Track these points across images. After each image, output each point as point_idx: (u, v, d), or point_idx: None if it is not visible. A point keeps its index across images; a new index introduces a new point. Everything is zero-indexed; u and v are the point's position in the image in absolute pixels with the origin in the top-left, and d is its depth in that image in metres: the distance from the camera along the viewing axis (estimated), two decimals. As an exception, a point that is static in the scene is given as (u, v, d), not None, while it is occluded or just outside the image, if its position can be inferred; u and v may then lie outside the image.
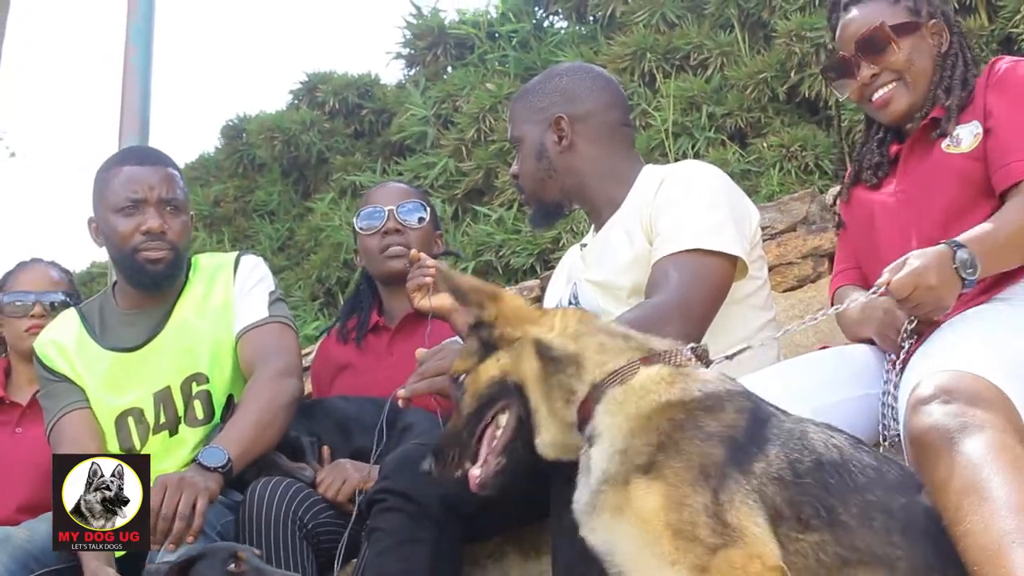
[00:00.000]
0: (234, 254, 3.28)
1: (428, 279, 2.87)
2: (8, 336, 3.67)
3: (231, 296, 3.15)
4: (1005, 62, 2.59)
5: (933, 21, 2.65)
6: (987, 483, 1.88)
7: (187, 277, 3.19)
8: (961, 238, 2.28)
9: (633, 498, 1.88)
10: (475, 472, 2.11)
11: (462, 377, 2.14)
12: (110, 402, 3.08)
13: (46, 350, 3.16)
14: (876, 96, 2.64)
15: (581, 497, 2.00)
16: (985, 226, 2.34)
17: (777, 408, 2.02)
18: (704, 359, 2.15)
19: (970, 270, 2.21)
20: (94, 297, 3.35)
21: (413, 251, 3.00)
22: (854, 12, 2.67)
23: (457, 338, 2.57)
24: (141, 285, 3.12)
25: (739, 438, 1.91)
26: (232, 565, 2.40)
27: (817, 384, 2.42)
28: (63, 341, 3.16)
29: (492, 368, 2.09)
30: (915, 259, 2.22)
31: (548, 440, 2.07)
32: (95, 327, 3.17)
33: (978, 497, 1.87)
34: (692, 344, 2.16)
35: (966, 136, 2.54)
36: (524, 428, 2.08)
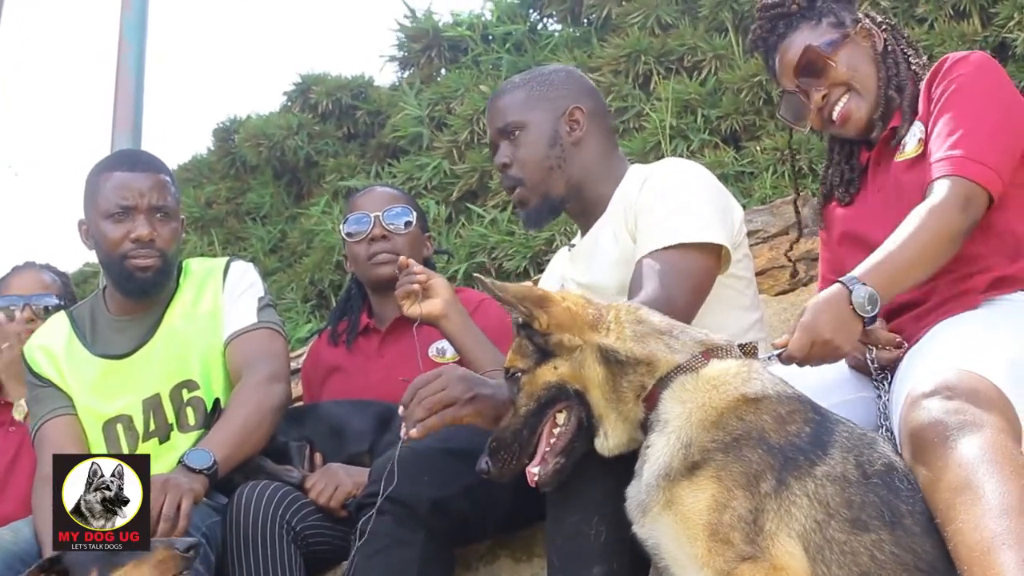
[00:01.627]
0: (224, 259, 3.26)
1: (416, 286, 2.85)
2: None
3: (220, 302, 3.13)
4: (951, 58, 2.56)
5: (859, 25, 2.65)
6: (981, 483, 1.87)
7: (178, 283, 3.17)
8: (858, 271, 2.24)
9: (683, 495, 1.91)
10: (533, 470, 2.11)
11: (517, 373, 2.13)
12: (98, 409, 3.06)
13: (34, 355, 3.14)
14: (835, 114, 2.62)
15: (634, 492, 2.02)
16: (886, 248, 2.29)
17: (843, 417, 2.07)
18: (752, 356, 2.17)
19: (868, 307, 2.17)
20: (84, 301, 3.32)
21: (402, 258, 2.97)
22: (784, 48, 2.67)
23: (454, 366, 2.53)
24: (129, 292, 3.10)
25: (802, 444, 1.95)
26: None
27: (809, 387, 2.41)
28: (52, 346, 3.14)
29: (550, 374, 2.09)
30: (808, 312, 2.20)
31: (614, 443, 2.09)
32: (85, 333, 3.15)
33: (971, 496, 1.86)
34: (739, 342, 2.19)
35: (911, 140, 2.53)
36: (584, 429, 2.09)
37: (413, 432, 2.34)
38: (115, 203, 3.04)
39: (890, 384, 2.34)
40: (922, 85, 2.56)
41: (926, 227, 2.29)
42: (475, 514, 2.58)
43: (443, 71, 6.69)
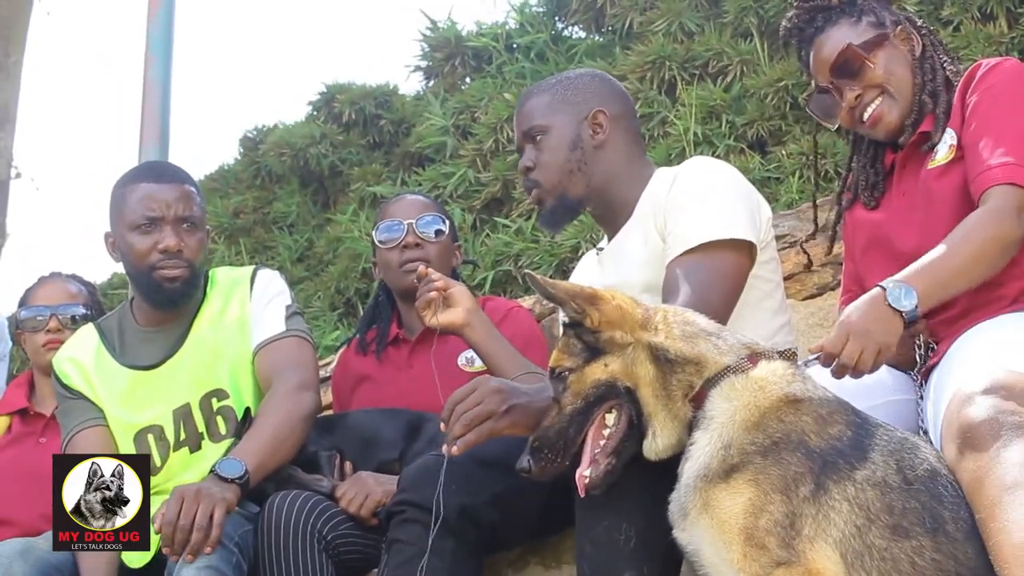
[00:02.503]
0: (251, 268, 3.27)
1: (435, 294, 2.86)
2: (28, 350, 3.69)
3: (247, 311, 3.14)
4: (987, 63, 2.55)
5: (899, 28, 2.63)
6: None
7: (205, 292, 3.18)
8: (902, 274, 2.24)
9: (720, 498, 1.91)
10: (584, 473, 2.10)
11: (564, 372, 2.12)
12: (129, 419, 3.07)
13: (63, 367, 3.16)
14: (867, 115, 2.60)
15: (676, 495, 2.02)
16: (935, 252, 2.29)
17: (884, 421, 2.06)
18: (791, 361, 2.17)
19: (905, 302, 2.17)
20: (112, 312, 3.33)
21: (420, 267, 2.98)
22: (820, 42, 2.65)
23: (487, 377, 2.53)
24: (158, 303, 3.12)
25: (843, 448, 1.94)
26: None
27: (846, 391, 2.40)
28: (81, 358, 3.15)
29: (600, 372, 2.08)
30: (846, 312, 2.21)
31: (663, 444, 2.08)
32: (114, 344, 3.16)
33: (1021, 496, 1.84)
34: (780, 348, 2.20)
35: (942, 147, 2.51)
36: (634, 429, 2.09)
37: (454, 449, 2.36)
38: (141, 214, 3.04)
39: (927, 385, 2.33)
40: (955, 92, 2.55)
41: (979, 234, 2.29)
42: (504, 522, 2.58)
43: (467, 80, 6.71)
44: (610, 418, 2.09)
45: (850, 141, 2.82)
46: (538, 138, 2.88)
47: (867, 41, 2.59)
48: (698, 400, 2.06)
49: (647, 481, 2.20)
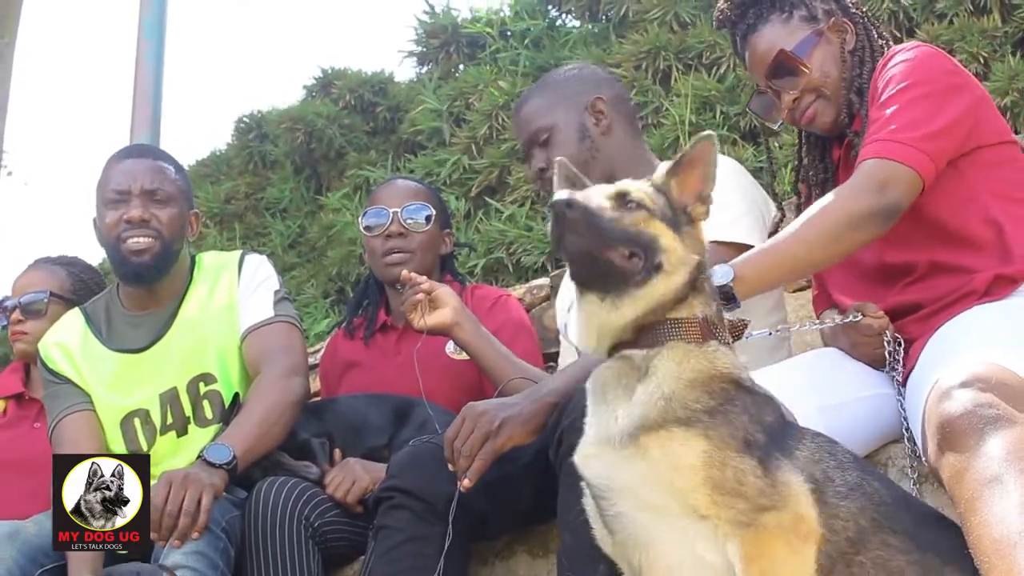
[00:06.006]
0: (238, 253, 3.27)
1: (421, 296, 2.86)
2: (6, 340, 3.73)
3: (235, 296, 3.14)
4: (893, 52, 2.52)
5: (832, 20, 2.59)
6: (1012, 478, 1.84)
7: (191, 276, 3.18)
8: (740, 257, 2.27)
9: (668, 445, 1.85)
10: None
11: (639, 206, 1.98)
12: (116, 403, 3.08)
13: (49, 351, 3.16)
14: (802, 116, 2.60)
15: (597, 428, 1.95)
16: (776, 237, 2.31)
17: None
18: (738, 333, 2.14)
19: (720, 279, 2.18)
20: (99, 297, 3.33)
21: (404, 272, 2.98)
22: (754, 42, 2.62)
23: (472, 404, 2.52)
24: (127, 278, 3.12)
25: (778, 431, 1.92)
26: None
27: (826, 383, 2.40)
28: (67, 342, 3.15)
29: (667, 236, 1.96)
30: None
31: (629, 314, 1.95)
32: (100, 328, 3.16)
33: (1000, 490, 1.83)
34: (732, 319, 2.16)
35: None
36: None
37: (466, 483, 2.42)
38: (111, 189, 3.09)
39: (904, 382, 2.33)
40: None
41: (824, 213, 2.30)
42: (493, 510, 2.59)
43: (461, 67, 6.70)
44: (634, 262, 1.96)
45: (796, 133, 2.80)
46: (544, 139, 2.91)
47: (800, 43, 2.56)
48: (653, 337, 1.97)
49: None
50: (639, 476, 1.87)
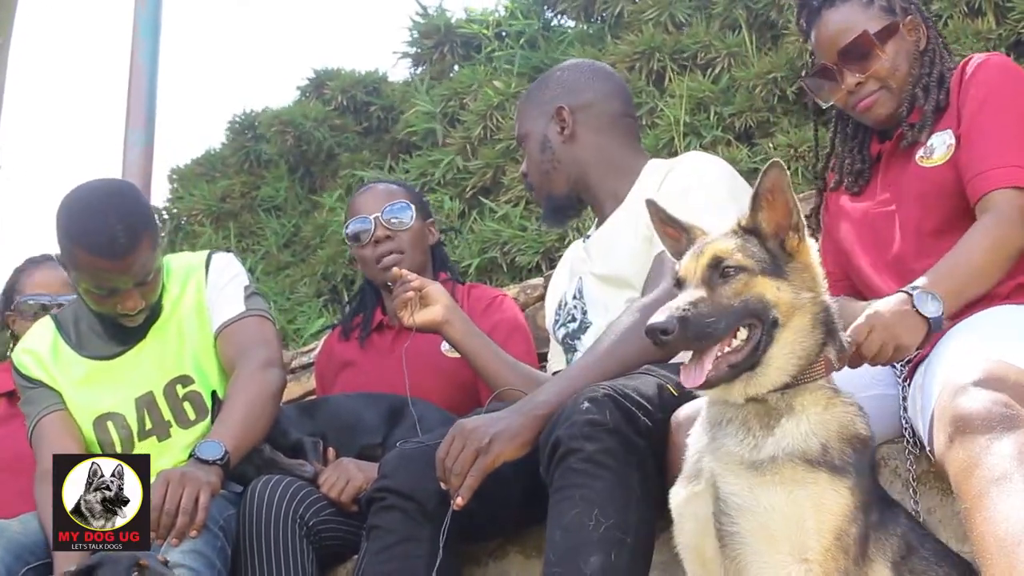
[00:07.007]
0: (205, 253, 3.23)
1: (411, 293, 2.86)
2: (20, 335, 3.67)
3: (204, 296, 3.11)
4: (975, 60, 2.54)
5: (909, 18, 2.62)
6: (1021, 478, 1.86)
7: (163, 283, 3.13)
8: (924, 281, 2.26)
9: (816, 486, 1.90)
10: (708, 367, 1.95)
11: (735, 270, 1.97)
12: (87, 405, 3.05)
13: (21, 359, 3.13)
14: (861, 103, 2.60)
15: (741, 449, 1.96)
16: (950, 262, 2.31)
17: None
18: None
19: (931, 308, 2.20)
20: (68, 304, 3.30)
21: (395, 269, 2.98)
22: (829, 17, 2.62)
23: (460, 421, 2.54)
24: (117, 327, 3.07)
25: (884, 505, 2.02)
26: (135, 574, 2.43)
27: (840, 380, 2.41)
28: (38, 349, 3.12)
29: (770, 290, 1.97)
30: (875, 306, 2.22)
31: (769, 382, 1.98)
32: (71, 335, 3.13)
33: (1008, 488, 1.85)
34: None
35: (939, 147, 2.51)
36: (750, 357, 1.98)
37: (459, 500, 2.43)
38: (97, 286, 2.95)
39: (911, 379, 2.33)
40: (946, 88, 2.55)
41: (988, 241, 2.33)
42: (483, 511, 2.59)
43: (456, 67, 6.69)
44: (742, 333, 1.97)
45: (833, 120, 2.80)
46: (522, 144, 3.00)
47: (881, 30, 2.58)
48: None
49: (617, 473, 2.27)
50: (773, 503, 1.90)
